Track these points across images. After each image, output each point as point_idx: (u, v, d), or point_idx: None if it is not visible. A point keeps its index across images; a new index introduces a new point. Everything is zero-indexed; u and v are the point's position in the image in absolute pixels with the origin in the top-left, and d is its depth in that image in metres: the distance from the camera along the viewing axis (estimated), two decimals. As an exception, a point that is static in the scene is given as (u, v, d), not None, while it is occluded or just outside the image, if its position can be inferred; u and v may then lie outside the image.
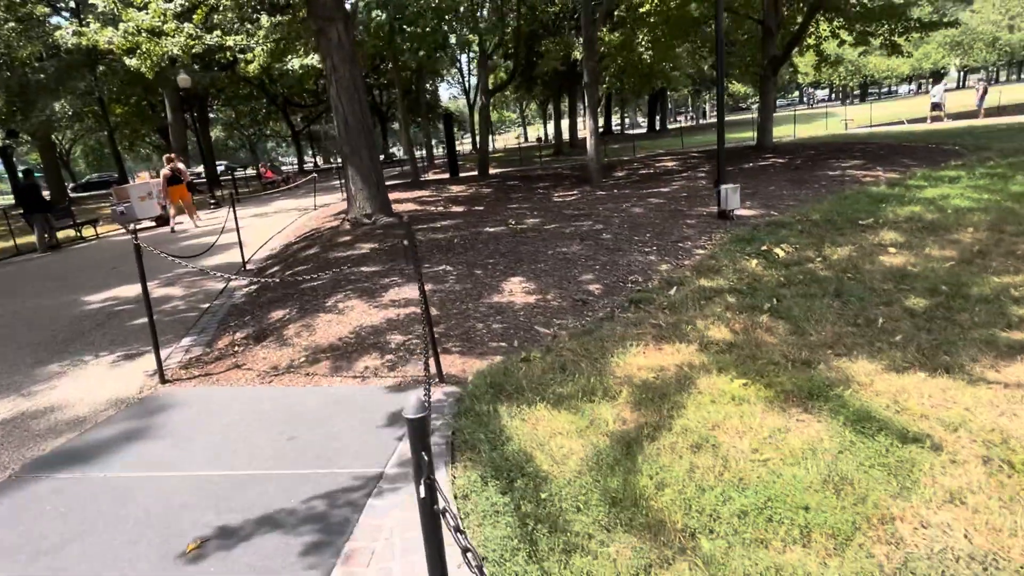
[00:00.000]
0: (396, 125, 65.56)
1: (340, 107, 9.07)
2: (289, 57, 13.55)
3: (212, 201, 19.04)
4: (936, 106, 24.33)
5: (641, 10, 15.79)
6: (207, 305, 6.96)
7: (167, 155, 14.15)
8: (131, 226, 5.20)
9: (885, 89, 72.88)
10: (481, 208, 11.05)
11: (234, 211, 9.06)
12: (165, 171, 13.52)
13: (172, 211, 13.83)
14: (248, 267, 8.77)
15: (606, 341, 4.49)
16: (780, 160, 13.75)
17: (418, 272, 3.96)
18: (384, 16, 11.83)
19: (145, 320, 4.80)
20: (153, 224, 15.67)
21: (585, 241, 7.41)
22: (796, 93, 75.07)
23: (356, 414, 3.85)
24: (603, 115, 52.71)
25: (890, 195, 8.89)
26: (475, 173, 18.59)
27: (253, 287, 7.33)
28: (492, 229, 8.42)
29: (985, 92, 25.47)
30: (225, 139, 60.40)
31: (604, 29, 21.69)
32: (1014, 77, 68.01)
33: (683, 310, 5.04)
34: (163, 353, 4.97)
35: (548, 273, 6.26)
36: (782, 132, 27.29)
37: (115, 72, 23.58)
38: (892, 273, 5.57)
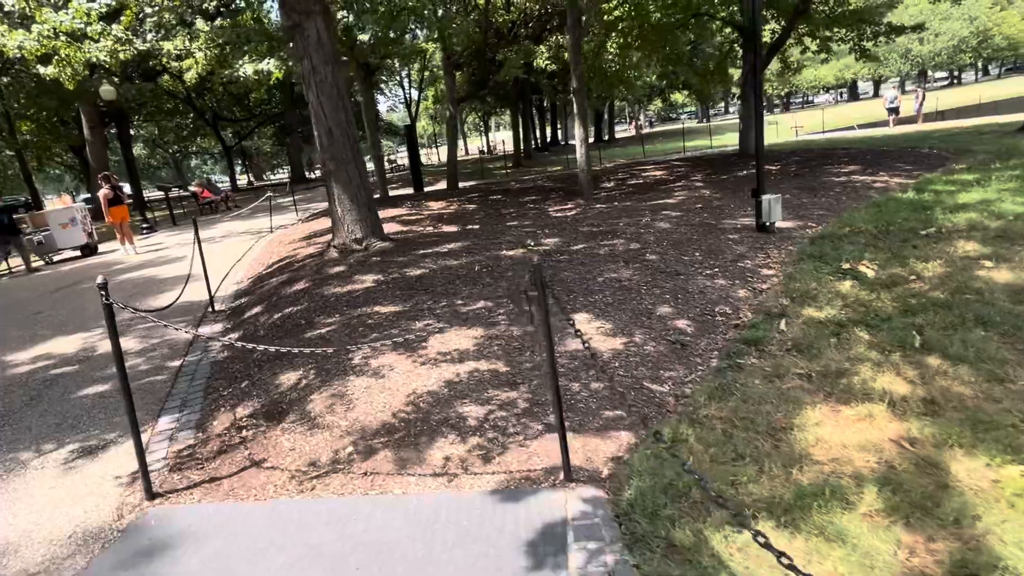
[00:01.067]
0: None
1: (322, 114, 7.73)
2: (240, 62, 11.97)
3: (145, 226, 16.93)
4: (892, 111, 25.10)
5: (615, 14, 15.11)
6: (178, 363, 5.49)
7: (103, 173, 12.25)
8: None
9: (804, 99, 76.48)
10: (477, 227, 9.89)
11: (197, 237, 7.54)
12: (105, 191, 11.65)
13: (119, 235, 11.98)
14: (216, 306, 7.27)
15: (759, 403, 3.47)
16: (772, 167, 13.28)
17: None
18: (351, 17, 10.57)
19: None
20: (78, 255, 13.59)
21: (632, 264, 6.39)
22: (722, 103, 77.54)
23: (466, 543, 2.64)
24: (547, 127, 52.49)
25: (925, 202, 8.36)
26: (443, 187, 17.35)
27: (236, 337, 5.89)
28: (510, 252, 7.29)
29: (923, 98, 26.50)
30: (147, 157, 56.25)
31: (542, 47, 21.01)
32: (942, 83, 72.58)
33: (819, 352, 4.08)
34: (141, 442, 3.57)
35: (616, 307, 5.19)
36: (729, 140, 27.47)
37: (22, 84, 20.93)
38: (1011, 291, 4.83)
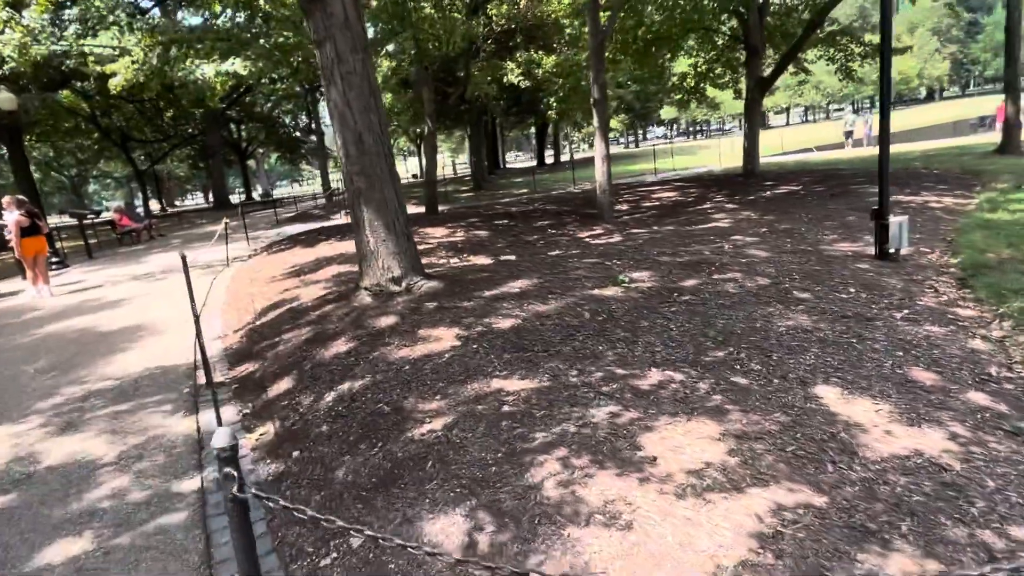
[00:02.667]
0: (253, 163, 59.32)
1: (349, 116, 5.88)
2: (195, 64, 9.78)
3: (55, 260, 13.94)
4: (848, 134, 25.68)
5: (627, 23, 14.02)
6: (191, 484, 3.49)
7: (13, 196, 9.57)
8: None
9: (718, 127, 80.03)
10: (514, 258, 8.23)
11: (187, 274, 5.44)
12: (18, 217, 9.04)
13: (30, 274, 9.36)
14: (212, 377, 5.18)
15: None
16: (791, 188, 12.47)
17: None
18: None
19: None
20: (-28, 300, 10.67)
21: (791, 306, 4.97)
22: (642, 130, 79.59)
23: None
24: (486, 148, 51.32)
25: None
26: (421, 211, 15.48)
27: (277, 433, 3.92)
28: (605, 292, 5.70)
29: (871, 123, 27.44)
30: (40, 182, 50.23)
31: (540, 53, 19.90)
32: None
33: None
34: None
35: (851, 372, 3.72)
36: (685, 163, 27.31)
37: None
38: None
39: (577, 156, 57.33)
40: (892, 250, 6.47)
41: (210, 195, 49.36)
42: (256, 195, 55.71)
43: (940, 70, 67.45)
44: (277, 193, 57.15)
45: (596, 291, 5.80)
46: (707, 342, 4.30)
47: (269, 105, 42.06)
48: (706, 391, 3.55)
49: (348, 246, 10.54)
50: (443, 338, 4.80)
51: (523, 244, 9.21)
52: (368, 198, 6.04)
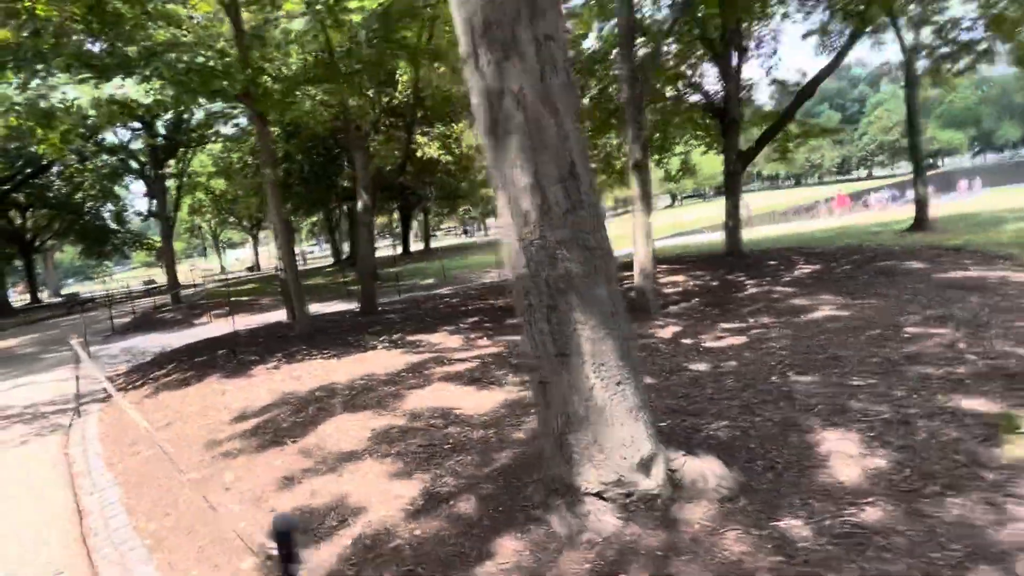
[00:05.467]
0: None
1: (529, 170, 2.79)
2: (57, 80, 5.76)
3: None
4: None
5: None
6: None
7: None
8: None
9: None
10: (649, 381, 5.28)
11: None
12: None
13: None
14: None
15: None
16: (812, 267, 11.02)
17: None
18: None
19: None
20: None
21: None
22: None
23: None
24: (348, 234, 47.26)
25: None
26: (353, 307, 11.70)
27: None
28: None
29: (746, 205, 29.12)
30: None
31: (424, 138, 17.64)
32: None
33: None
34: None
35: None
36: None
37: None
38: None
39: (435, 244, 55.07)
40: None
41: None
42: (45, 297, 44.94)
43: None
44: (70, 291, 46.74)
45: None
46: None
47: (69, 188, 34.30)
48: None
49: (328, 369, 6.77)
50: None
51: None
52: (585, 298, 2.87)
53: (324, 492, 3.81)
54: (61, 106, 5.87)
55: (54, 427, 6.96)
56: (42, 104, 5.82)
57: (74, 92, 5.89)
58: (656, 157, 17.07)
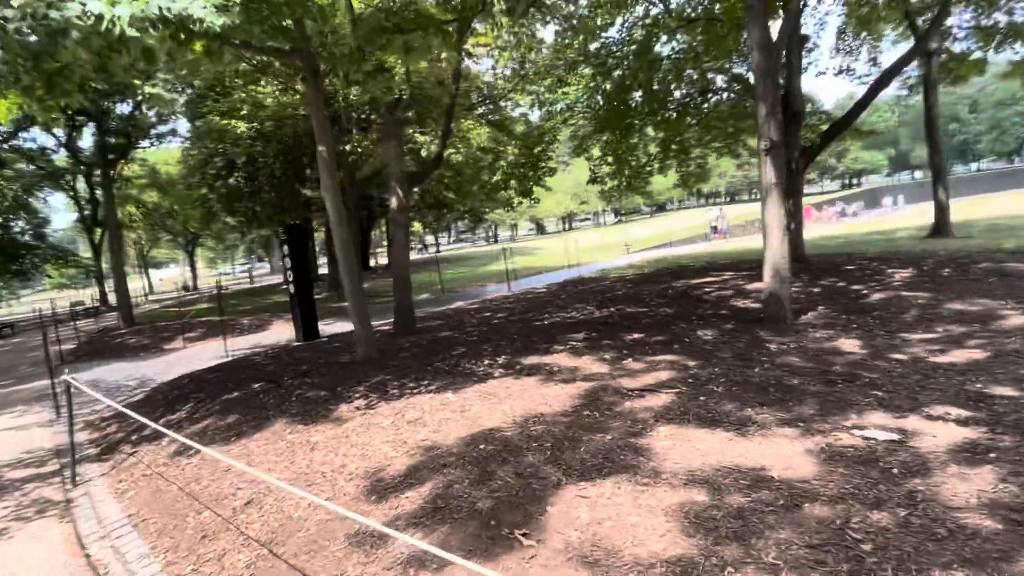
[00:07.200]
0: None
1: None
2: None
3: None
4: (715, 228, 26.07)
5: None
6: None
7: None
8: None
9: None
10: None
11: None
12: None
13: None
14: None
15: None
16: (905, 273, 9.97)
17: None
18: None
19: None
20: None
21: None
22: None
23: None
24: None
25: None
26: (387, 326, 9.72)
27: None
28: None
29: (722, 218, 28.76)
30: None
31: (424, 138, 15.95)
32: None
33: None
34: None
35: None
36: (544, 262, 25.21)
37: None
38: None
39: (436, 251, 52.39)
40: None
41: None
42: None
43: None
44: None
45: None
46: None
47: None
48: None
49: (455, 408, 4.94)
50: None
51: (770, 395, 4.70)
52: None
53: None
54: (80, 22, 3.86)
55: (42, 505, 4.76)
56: (52, 15, 3.79)
57: (99, 5, 3.89)
58: (674, 160, 16.03)
